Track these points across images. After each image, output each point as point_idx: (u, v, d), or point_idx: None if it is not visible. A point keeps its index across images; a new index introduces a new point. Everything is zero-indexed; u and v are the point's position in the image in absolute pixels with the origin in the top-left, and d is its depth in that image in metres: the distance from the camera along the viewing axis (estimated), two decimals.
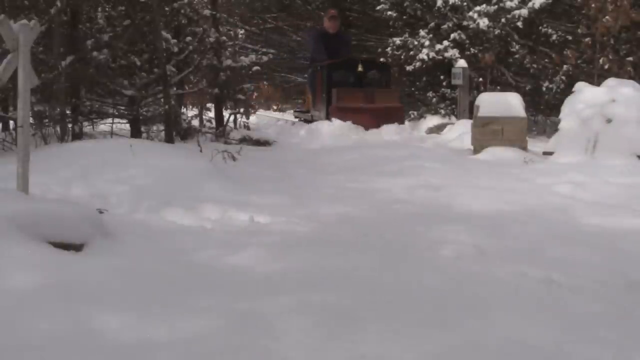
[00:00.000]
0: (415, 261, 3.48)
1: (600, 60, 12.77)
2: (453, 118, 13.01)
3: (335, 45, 12.24)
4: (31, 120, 6.24)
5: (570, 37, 14.30)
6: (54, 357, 2.26)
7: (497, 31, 13.68)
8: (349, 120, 10.99)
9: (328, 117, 11.59)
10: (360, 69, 11.79)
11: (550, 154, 9.07)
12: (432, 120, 12.81)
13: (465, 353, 2.37)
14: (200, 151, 7.42)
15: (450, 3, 13.67)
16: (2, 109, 9.29)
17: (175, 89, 10.81)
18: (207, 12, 11.74)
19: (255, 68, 12.52)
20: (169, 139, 8.95)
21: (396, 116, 11.46)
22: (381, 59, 13.59)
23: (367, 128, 10.94)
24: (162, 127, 10.05)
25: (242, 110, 12.86)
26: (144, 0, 9.77)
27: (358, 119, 11.05)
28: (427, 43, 13.54)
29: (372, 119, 11.05)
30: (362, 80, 11.83)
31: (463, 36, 13.62)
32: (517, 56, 14.12)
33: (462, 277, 3.20)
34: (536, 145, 9.99)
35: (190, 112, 13.40)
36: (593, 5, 12.50)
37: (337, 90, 11.54)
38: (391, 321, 2.60)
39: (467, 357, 2.35)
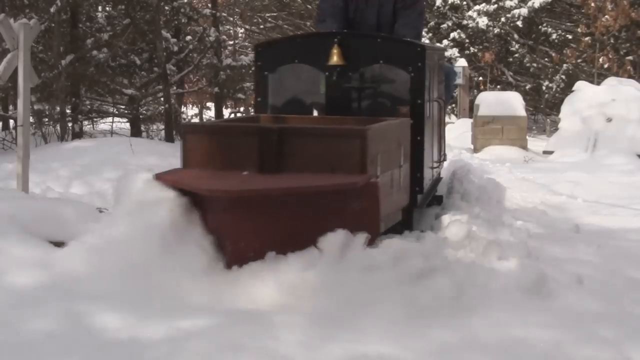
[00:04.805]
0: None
1: (600, 60, 12.79)
2: (453, 117, 13.02)
3: (373, 7, 4.77)
4: (31, 119, 6.23)
5: (570, 36, 14.32)
6: (53, 355, 2.26)
7: (496, 30, 13.69)
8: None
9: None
10: (335, 58, 4.17)
11: (551, 152, 9.09)
12: None
13: (465, 352, 2.37)
14: None
15: (450, 2, 13.69)
16: (2, 108, 9.30)
17: (175, 88, 10.82)
18: (207, 11, 11.76)
19: None
20: (169, 138, 8.96)
21: (355, 220, 2.95)
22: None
23: (235, 261, 3.01)
24: (162, 126, 10.06)
25: (242, 109, 12.88)
26: None
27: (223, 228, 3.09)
28: (426, 42, 13.55)
29: (261, 230, 3.03)
30: (350, 90, 4.29)
31: (463, 35, 13.64)
32: (516, 55, 14.13)
33: (462, 276, 3.20)
34: (536, 144, 10.00)
35: (190, 111, 13.42)
36: (593, 4, 12.52)
37: (184, 129, 3.50)
38: (391, 321, 2.60)
39: (467, 356, 2.35)
